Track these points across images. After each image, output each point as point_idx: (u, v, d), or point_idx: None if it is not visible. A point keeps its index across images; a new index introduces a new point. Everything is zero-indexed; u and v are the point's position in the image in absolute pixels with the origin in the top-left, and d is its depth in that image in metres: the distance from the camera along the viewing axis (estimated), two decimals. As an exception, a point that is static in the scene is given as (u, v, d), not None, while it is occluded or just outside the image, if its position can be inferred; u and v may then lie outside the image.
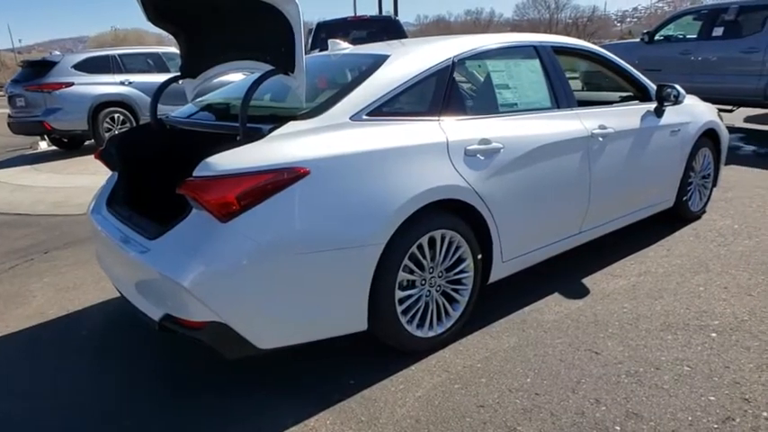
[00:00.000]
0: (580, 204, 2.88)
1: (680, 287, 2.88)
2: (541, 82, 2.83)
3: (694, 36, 6.99)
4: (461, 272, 2.41)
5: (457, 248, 2.36)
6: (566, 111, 2.86)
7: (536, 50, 2.86)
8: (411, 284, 2.25)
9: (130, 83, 8.35)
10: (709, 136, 3.79)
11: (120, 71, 8.35)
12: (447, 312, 2.40)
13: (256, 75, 2.89)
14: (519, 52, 2.84)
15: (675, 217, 3.78)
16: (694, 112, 3.67)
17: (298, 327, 2.01)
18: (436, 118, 2.35)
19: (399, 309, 2.20)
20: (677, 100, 3.30)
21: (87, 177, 6.48)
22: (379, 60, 2.37)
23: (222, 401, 2.11)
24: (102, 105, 8.02)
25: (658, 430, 1.84)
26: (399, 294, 2.19)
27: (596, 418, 1.92)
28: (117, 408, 2.13)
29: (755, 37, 6.21)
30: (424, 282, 2.29)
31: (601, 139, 2.93)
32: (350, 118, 2.13)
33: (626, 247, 3.41)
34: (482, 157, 2.38)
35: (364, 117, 2.16)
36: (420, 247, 2.22)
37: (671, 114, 3.43)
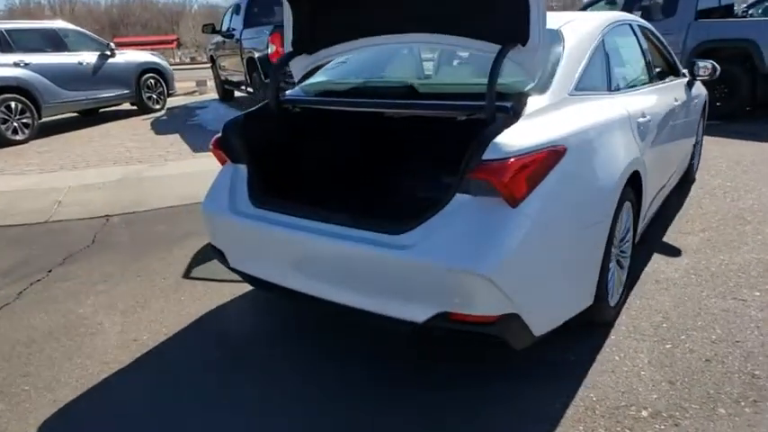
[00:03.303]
0: (673, 165, 3.19)
1: (743, 237, 3.32)
2: (641, 58, 3.03)
3: (616, 20, 7.86)
4: (625, 240, 2.52)
5: (628, 218, 2.46)
6: (658, 85, 3.10)
7: (631, 28, 3.04)
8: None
9: (27, 64, 6.92)
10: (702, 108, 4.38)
11: (10, 50, 6.88)
12: (621, 280, 2.50)
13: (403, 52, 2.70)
14: (625, 30, 2.98)
15: (683, 178, 4.31)
16: (698, 86, 4.20)
17: (559, 309, 1.97)
18: (608, 93, 2.40)
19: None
20: (714, 74, 3.74)
21: (19, 179, 5.31)
22: (555, 36, 2.32)
23: (458, 394, 2.00)
24: (-6, 92, 6.56)
25: None
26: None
27: (800, 352, 2.19)
28: (332, 412, 1.89)
29: (669, 21, 7.19)
30: (611, 253, 2.35)
31: (676, 110, 3.23)
32: (568, 94, 2.09)
33: (664, 209, 3.76)
34: (644, 129, 2.50)
35: (575, 93, 2.13)
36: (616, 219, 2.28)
37: (694, 89, 3.89)
